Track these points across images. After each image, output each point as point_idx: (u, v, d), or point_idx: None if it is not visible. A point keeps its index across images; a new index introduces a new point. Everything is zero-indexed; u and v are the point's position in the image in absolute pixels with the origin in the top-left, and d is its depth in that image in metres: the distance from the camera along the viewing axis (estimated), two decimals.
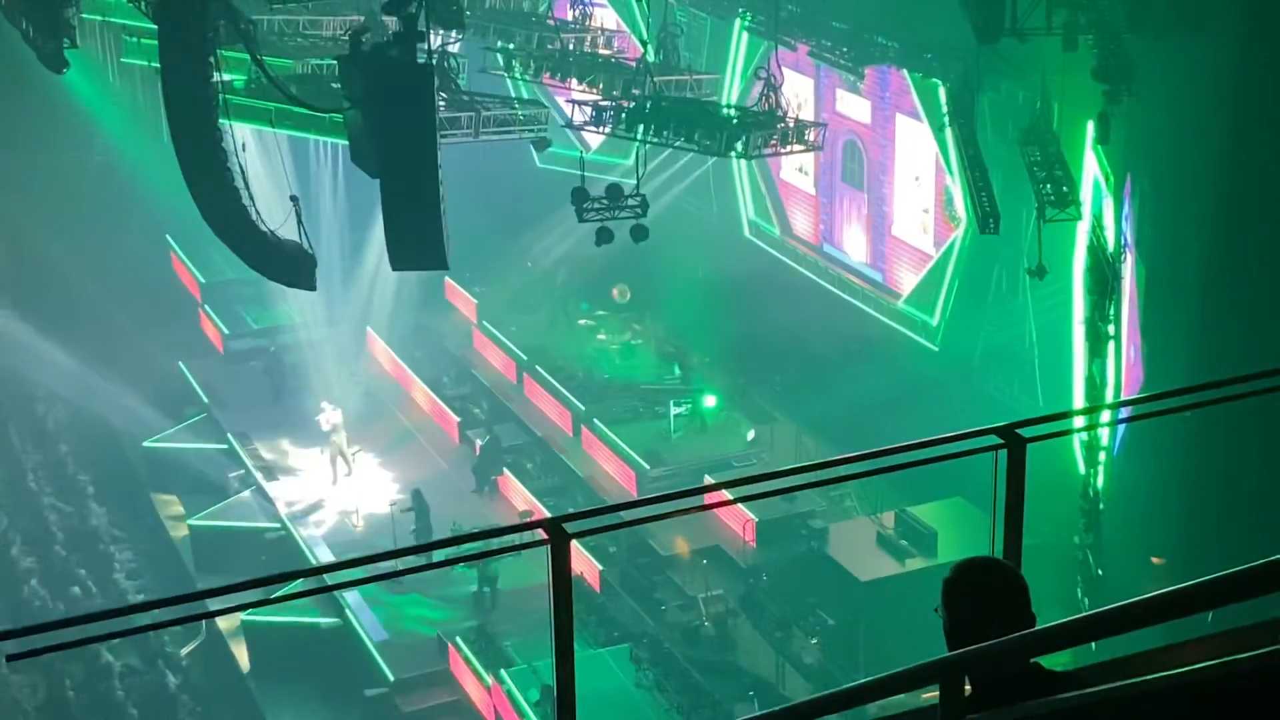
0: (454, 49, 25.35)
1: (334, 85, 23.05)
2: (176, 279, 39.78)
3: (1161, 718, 3.55)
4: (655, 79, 25.84)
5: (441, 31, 23.16)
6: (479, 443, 32.00)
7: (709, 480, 26.30)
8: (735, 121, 25.43)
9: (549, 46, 27.99)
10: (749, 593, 27.16)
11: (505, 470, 31.18)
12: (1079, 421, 19.54)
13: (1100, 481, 24.59)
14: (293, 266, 21.90)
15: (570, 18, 29.84)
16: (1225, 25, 21.35)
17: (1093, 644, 3.86)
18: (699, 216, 38.15)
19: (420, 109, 19.90)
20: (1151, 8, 22.55)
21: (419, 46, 19.98)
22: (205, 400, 34.83)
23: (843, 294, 34.08)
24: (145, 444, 33.43)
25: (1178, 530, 22.44)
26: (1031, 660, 4.02)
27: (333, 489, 31.39)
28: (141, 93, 35.71)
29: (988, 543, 5.33)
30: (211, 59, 19.95)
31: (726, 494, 7.21)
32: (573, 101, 26.38)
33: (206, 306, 38.40)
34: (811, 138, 25.65)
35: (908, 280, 32.58)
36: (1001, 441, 5.27)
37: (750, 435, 31.74)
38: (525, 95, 31.19)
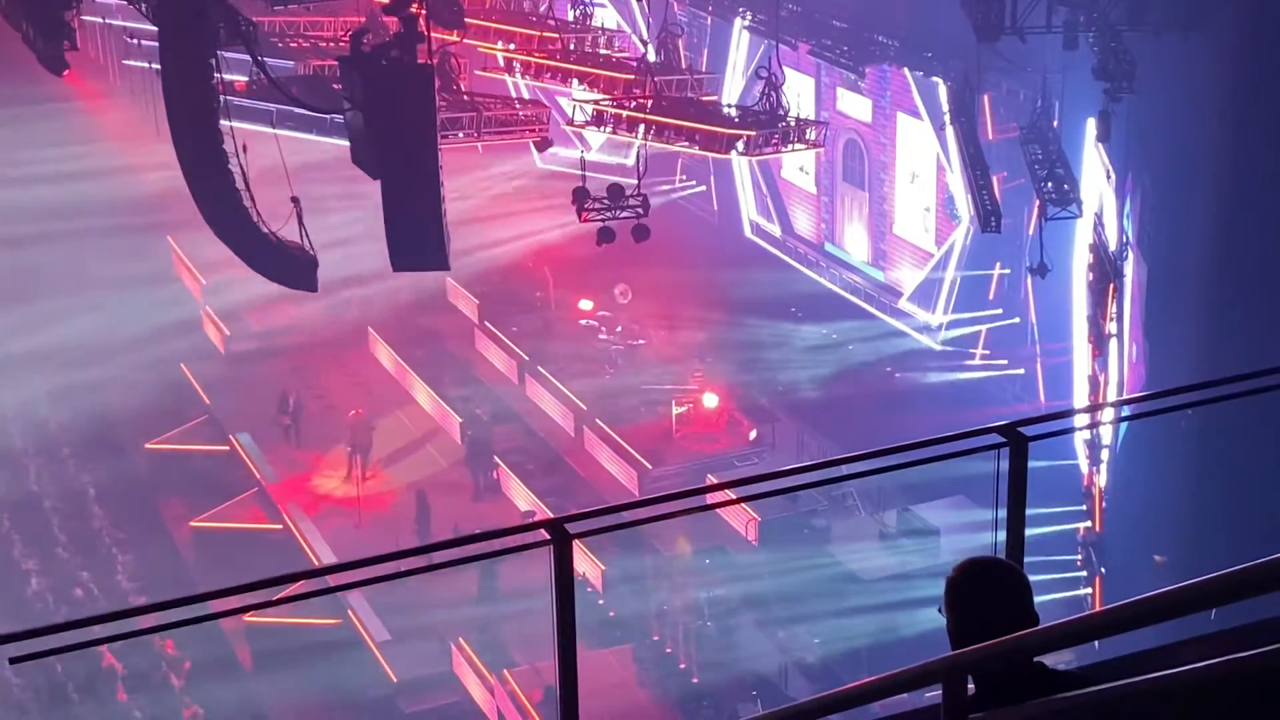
0: (455, 50, 25.36)
1: (335, 86, 23.05)
2: (178, 280, 39.76)
3: (1164, 717, 3.54)
4: (656, 78, 25.85)
5: (442, 32, 23.16)
6: (478, 439, 32.04)
7: (711, 480, 26.31)
8: (736, 120, 25.45)
9: (550, 47, 27.99)
10: (751, 592, 27.15)
11: (505, 468, 31.13)
12: (1081, 419, 19.56)
13: (1102, 480, 24.57)
14: (294, 267, 21.91)
15: (571, 18, 29.85)
16: (1225, 22, 21.33)
17: (1095, 643, 3.86)
18: (700, 216, 38.15)
19: (421, 110, 19.92)
20: (1151, 5, 22.54)
21: (419, 47, 19.99)
22: (207, 402, 34.80)
23: (844, 293, 34.09)
24: (147, 446, 33.41)
25: (1180, 528, 22.42)
26: (1034, 659, 4.01)
27: (337, 488, 31.38)
28: (142, 95, 35.69)
29: (990, 541, 5.33)
30: (212, 60, 19.95)
31: (729, 493, 7.20)
32: (574, 101, 26.38)
33: (208, 307, 38.38)
34: (812, 136, 25.66)
35: (909, 279, 32.58)
36: (1004, 440, 5.27)
37: (752, 434, 31.72)
38: (526, 96, 31.19)
